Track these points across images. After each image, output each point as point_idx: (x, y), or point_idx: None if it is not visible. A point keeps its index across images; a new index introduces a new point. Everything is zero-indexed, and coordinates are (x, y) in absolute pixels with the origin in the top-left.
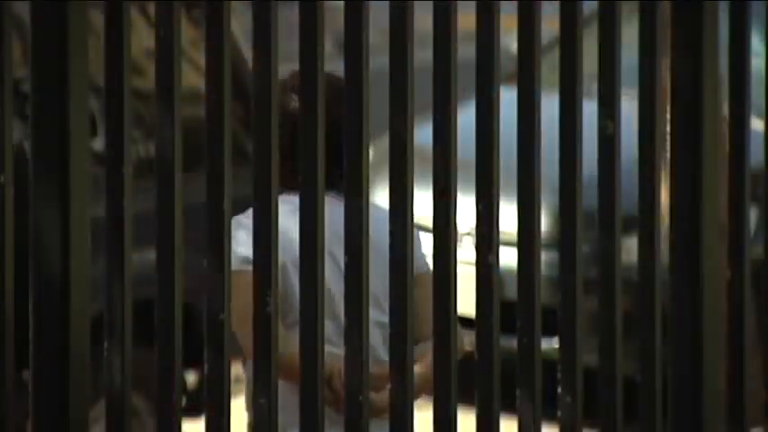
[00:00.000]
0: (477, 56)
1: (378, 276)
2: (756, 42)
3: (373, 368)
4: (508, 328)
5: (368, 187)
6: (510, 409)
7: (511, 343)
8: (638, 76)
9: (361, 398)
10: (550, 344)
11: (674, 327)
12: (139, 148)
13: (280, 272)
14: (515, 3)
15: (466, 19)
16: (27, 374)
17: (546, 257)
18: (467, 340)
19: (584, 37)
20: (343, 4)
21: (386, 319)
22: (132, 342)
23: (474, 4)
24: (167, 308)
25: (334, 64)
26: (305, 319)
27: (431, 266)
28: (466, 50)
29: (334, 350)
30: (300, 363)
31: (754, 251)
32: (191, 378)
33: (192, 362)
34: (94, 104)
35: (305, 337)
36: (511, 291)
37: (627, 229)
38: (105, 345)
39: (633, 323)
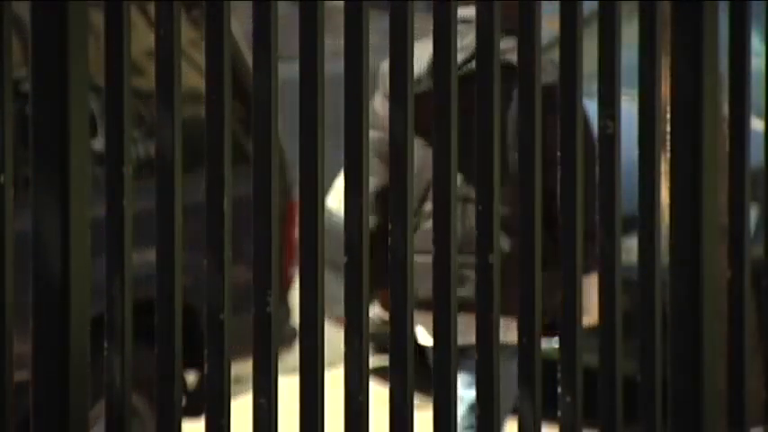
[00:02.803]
0: (477, 55)
1: None
2: (756, 42)
3: None
4: None
5: (368, 187)
6: None
7: None
8: (638, 76)
9: (360, 398)
10: (550, 344)
11: (674, 327)
12: (139, 148)
13: None
14: (515, 3)
15: None
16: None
17: None
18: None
19: (585, 37)
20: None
21: None
22: (132, 342)
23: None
24: (167, 308)
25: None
26: (305, 319)
27: None
28: None
29: None
30: (300, 361)
31: (754, 251)
32: (191, 378)
33: (192, 362)
34: (95, 104)
35: (305, 337)
36: None
37: (627, 229)
38: (105, 345)
39: (633, 323)
